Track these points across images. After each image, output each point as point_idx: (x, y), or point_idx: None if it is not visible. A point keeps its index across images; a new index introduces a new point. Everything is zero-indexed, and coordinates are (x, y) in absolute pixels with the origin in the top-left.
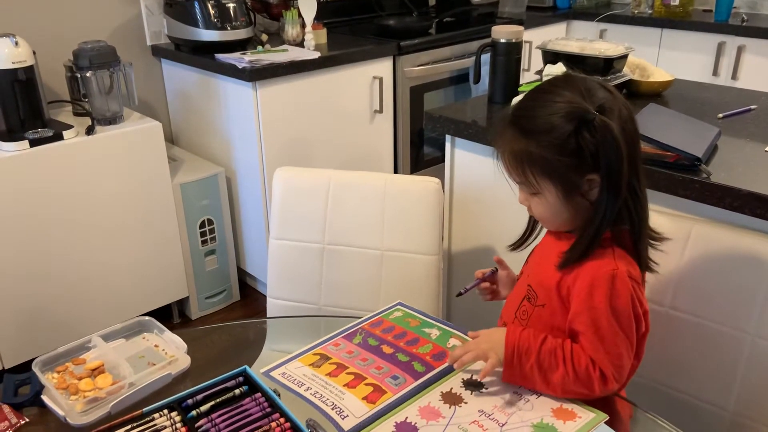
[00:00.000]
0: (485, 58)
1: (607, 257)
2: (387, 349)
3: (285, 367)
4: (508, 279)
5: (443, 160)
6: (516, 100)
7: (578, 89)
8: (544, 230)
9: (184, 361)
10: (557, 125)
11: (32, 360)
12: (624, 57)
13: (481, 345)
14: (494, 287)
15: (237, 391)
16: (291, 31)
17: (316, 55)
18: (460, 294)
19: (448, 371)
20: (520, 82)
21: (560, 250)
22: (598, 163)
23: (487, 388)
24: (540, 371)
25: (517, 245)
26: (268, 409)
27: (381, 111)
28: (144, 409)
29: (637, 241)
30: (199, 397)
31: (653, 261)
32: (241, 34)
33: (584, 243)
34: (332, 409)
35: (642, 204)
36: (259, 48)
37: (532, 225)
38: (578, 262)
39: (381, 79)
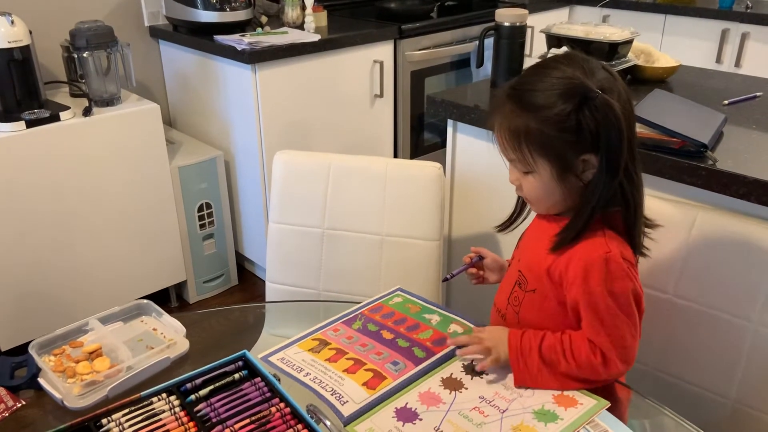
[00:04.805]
0: (488, 42)
1: (599, 239)
2: (387, 335)
3: (284, 352)
4: (495, 264)
5: (443, 146)
6: None
7: (580, 66)
8: (533, 213)
9: (183, 345)
10: (558, 101)
11: (29, 343)
12: (629, 42)
13: (485, 342)
14: (481, 273)
15: (236, 376)
16: (291, 13)
17: (317, 37)
18: (446, 279)
19: (449, 357)
20: (523, 67)
21: (550, 234)
22: (596, 143)
23: (487, 374)
24: (547, 368)
25: (504, 226)
26: (268, 394)
27: (381, 95)
28: (142, 393)
29: (633, 224)
30: (198, 381)
31: (646, 247)
32: (240, 15)
33: (578, 224)
34: (332, 395)
35: (637, 187)
36: (259, 30)
37: (520, 206)
38: (571, 244)
39: (382, 63)
